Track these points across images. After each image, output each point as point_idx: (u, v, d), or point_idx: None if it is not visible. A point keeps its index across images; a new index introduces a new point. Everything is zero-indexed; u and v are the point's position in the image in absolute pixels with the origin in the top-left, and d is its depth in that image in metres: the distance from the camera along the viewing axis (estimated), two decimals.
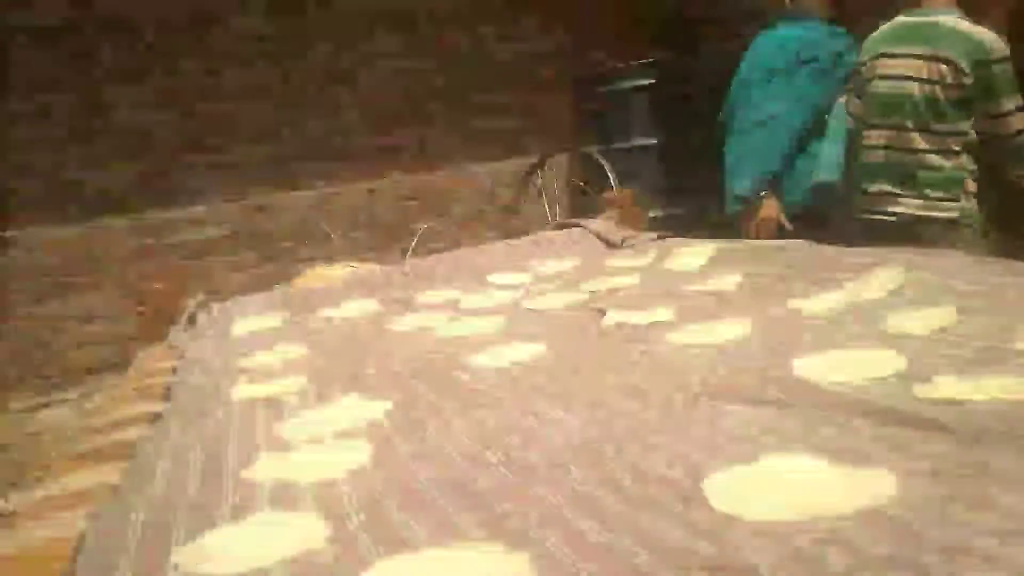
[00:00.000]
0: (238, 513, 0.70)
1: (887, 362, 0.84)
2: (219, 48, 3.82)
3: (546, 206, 4.24)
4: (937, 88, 1.71)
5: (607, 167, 3.73)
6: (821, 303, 1.13)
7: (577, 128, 4.20)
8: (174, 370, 1.39)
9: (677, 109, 3.77)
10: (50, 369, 3.75)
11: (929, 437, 0.62)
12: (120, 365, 3.68)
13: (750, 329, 1.08)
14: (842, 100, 1.96)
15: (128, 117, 3.74)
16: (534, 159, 4.27)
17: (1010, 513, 0.48)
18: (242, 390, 1.20)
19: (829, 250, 1.42)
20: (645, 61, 3.83)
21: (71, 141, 3.67)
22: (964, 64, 1.66)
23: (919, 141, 1.75)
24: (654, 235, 2.06)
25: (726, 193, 2.44)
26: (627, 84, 3.83)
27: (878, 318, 1.00)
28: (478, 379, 1.07)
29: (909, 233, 1.71)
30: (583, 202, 3.79)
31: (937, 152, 1.72)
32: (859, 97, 1.90)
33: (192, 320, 1.73)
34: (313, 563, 0.58)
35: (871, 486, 0.55)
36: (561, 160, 4.29)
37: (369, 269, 2.83)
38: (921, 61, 1.73)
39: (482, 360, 1.18)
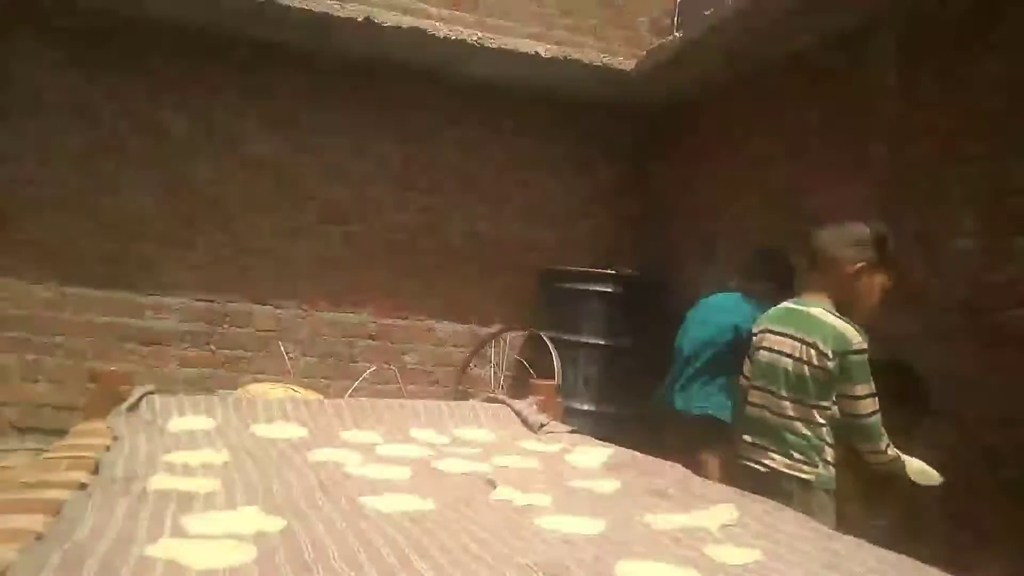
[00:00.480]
0: None
1: None
2: (230, 163, 4.16)
3: (492, 375, 4.47)
4: (805, 367, 1.99)
5: (554, 354, 4.00)
6: (667, 522, 1.34)
7: (536, 312, 4.50)
8: (107, 448, 1.54)
9: (627, 320, 4.10)
10: None
11: None
12: (47, 432, 3.73)
13: (603, 528, 1.28)
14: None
15: (129, 203, 4.00)
16: (493, 329, 4.55)
17: None
18: (161, 480, 1.35)
19: (694, 479, 1.64)
20: (608, 271, 4.20)
21: (66, 208, 3.90)
22: (827, 350, 1.97)
23: (788, 408, 2.02)
24: (568, 428, 2.27)
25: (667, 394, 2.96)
26: (589, 286, 4.17)
27: (703, 543, 1.21)
28: (367, 520, 1.24)
29: (774, 484, 1.94)
30: (525, 378, 4.02)
31: (801, 420, 1.99)
32: (750, 360, 2.23)
33: (134, 408, 1.88)
34: None
35: None
36: (517, 337, 4.57)
37: (307, 397, 2.99)
38: (794, 341, 2.04)
39: (377, 503, 1.35)
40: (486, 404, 2.49)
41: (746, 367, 2.24)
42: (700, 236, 4.27)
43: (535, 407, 2.40)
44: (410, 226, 4.47)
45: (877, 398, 1.97)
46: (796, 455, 1.98)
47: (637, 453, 1.97)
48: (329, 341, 4.34)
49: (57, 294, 3.90)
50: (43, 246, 3.87)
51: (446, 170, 4.53)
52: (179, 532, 1.06)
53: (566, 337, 4.11)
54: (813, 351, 1.99)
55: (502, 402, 2.48)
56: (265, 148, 4.20)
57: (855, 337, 1.96)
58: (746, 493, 1.54)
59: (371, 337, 4.42)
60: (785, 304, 2.19)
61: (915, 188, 2.90)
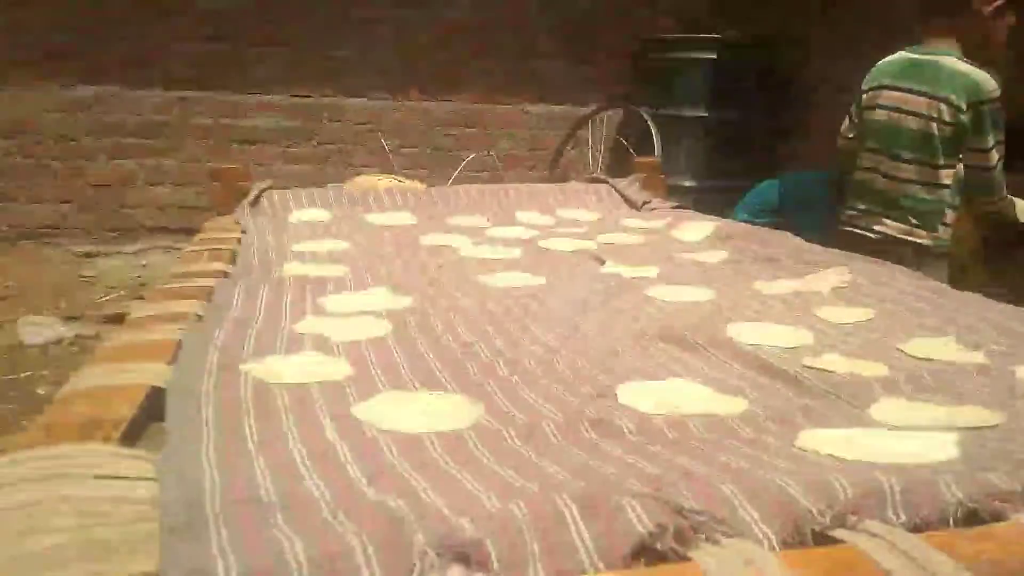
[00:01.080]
0: (289, 350, 0.96)
1: (799, 338, 1.07)
2: None
3: (589, 156, 4.42)
4: (933, 124, 1.87)
5: (654, 130, 3.89)
6: (777, 287, 1.35)
7: (633, 87, 4.34)
8: (239, 241, 1.66)
9: (731, 88, 3.89)
10: (112, 222, 4.07)
11: (784, 386, 0.86)
12: (174, 231, 4.01)
13: (712, 296, 1.31)
14: None
15: (217, 4, 3.96)
16: (588, 109, 4.43)
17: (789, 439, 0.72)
18: (294, 268, 1.46)
19: (804, 246, 1.63)
20: (710, 36, 3.93)
21: (158, 18, 3.91)
22: (962, 103, 1.82)
23: (908, 171, 1.92)
24: (672, 204, 2.27)
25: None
26: (688, 54, 3.94)
27: (814, 306, 1.23)
28: (485, 294, 1.32)
29: (887, 251, 1.86)
30: (624, 158, 3.97)
31: (923, 184, 1.90)
32: (856, 121, 2.08)
33: (256, 202, 1.99)
34: (338, 386, 0.84)
35: (728, 405, 0.80)
36: (613, 115, 4.45)
37: (413, 186, 3.07)
38: (922, 98, 1.89)
39: (492, 280, 1.42)
40: (587, 184, 2.50)
41: (847, 127, 2.08)
42: None
43: (637, 185, 2.39)
44: (495, 4, 4.26)
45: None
46: (913, 220, 1.91)
47: (745, 224, 1.96)
48: (424, 131, 4.36)
49: (164, 99, 4.01)
50: (142, 53, 3.94)
51: None
52: (319, 311, 1.16)
53: (665, 112, 3.97)
54: (944, 106, 1.85)
55: (603, 181, 2.47)
56: None
57: (989, 83, 1.80)
58: (860, 256, 1.52)
59: (466, 125, 4.41)
60: (904, 54, 1.99)
61: None
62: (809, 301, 1.26)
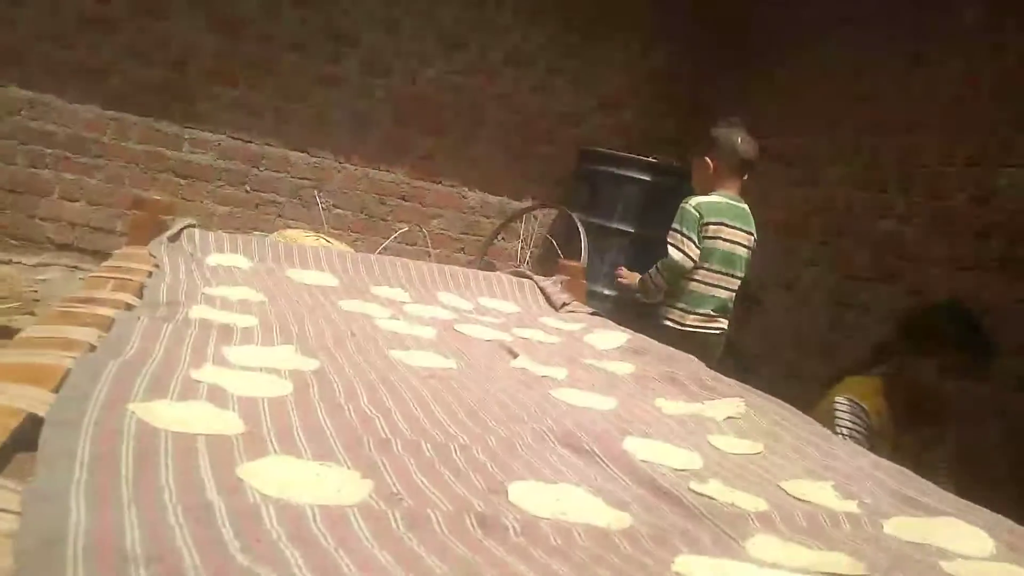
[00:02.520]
0: (183, 395, 0.93)
1: (690, 460, 1.11)
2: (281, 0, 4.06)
3: (518, 249, 4.52)
4: (749, 252, 2.86)
5: (583, 236, 4.02)
6: (676, 407, 1.40)
7: (568, 191, 4.49)
8: (149, 274, 1.61)
9: (660, 209, 4.07)
10: (19, 230, 3.88)
11: (669, 507, 0.88)
12: (82, 251, 3.85)
13: (614, 406, 1.34)
14: None
15: (177, 32, 3.95)
16: (524, 204, 4.55)
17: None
18: (202, 311, 1.42)
19: (706, 371, 1.70)
20: (649, 159, 4.14)
21: (111, 34, 3.86)
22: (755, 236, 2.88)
23: (734, 284, 2.84)
24: (590, 310, 2.32)
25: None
26: (626, 172, 4.13)
27: (708, 431, 1.27)
28: (392, 369, 1.31)
29: (715, 343, 2.88)
30: (550, 257, 4.07)
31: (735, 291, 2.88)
32: (697, 245, 2.80)
33: (175, 238, 1.94)
34: (227, 442, 0.82)
35: (613, 518, 0.81)
36: (547, 214, 4.58)
37: (340, 247, 3.05)
38: (745, 234, 2.85)
39: (403, 356, 1.42)
40: (511, 277, 2.54)
41: (693, 251, 2.80)
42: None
43: (560, 286, 2.45)
44: (453, 87, 4.39)
45: None
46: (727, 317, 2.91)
47: (654, 341, 2.02)
48: (362, 196, 4.37)
49: (99, 116, 3.92)
50: (88, 67, 3.86)
51: (497, 33, 4.40)
52: (221, 361, 1.13)
53: (597, 221, 4.12)
54: (753, 238, 2.89)
55: (528, 277, 2.52)
56: None
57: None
58: (754, 390, 1.59)
59: (403, 197, 4.46)
60: (726, 200, 2.86)
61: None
62: (704, 426, 1.30)
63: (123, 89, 3.91)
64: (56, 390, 0.82)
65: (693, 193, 2.93)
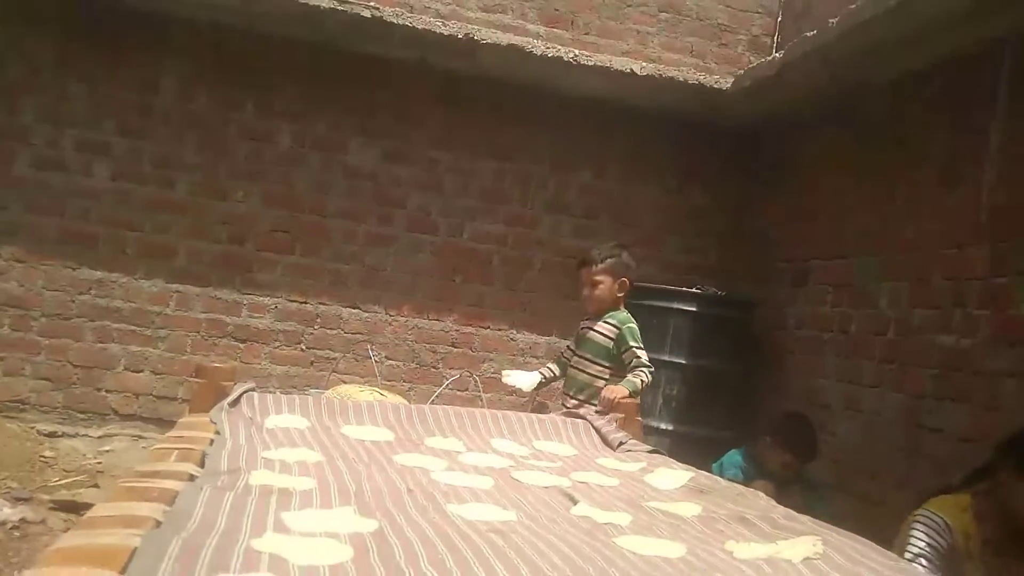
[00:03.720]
0: (244, 569, 0.93)
1: None
2: (330, 173, 4.33)
3: None
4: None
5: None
6: (750, 551, 1.33)
7: None
8: (211, 442, 1.64)
9: (710, 340, 4.05)
10: (85, 403, 4.02)
11: None
12: (146, 419, 3.95)
13: (683, 552, 1.29)
14: None
15: (236, 210, 4.22)
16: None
17: None
18: (262, 476, 1.43)
19: (776, 508, 1.62)
20: (693, 290, 4.16)
21: (175, 216, 4.15)
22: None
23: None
24: (648, 448, 2.27)
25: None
26: (671, 304, 4.14)
27: (785, 574, 1.20)
28: (451, 525, 1.29)
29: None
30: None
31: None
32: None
33: (234, 404, 1.99)
34: None
35: None
36: None
37: (395, 399, 3.08)
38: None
39: (461, 510, 1.40)
40: (565, 418, 2.52)
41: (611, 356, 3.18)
42: (792, 261, 4.20)
43: (615, 424, 2.41)
44: (497, 237, 4.54)
45: None
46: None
47: (719, 478, 1.96)
48: (413, 346, 4.45)
49: (163, 290, 4.13)
50: (152, 245, 4.12)
51: (536, 184, 4.58)
52: (281, 528, 1.13)
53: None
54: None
55: (581, 417, 2.49)
56: (362, 159, 4.36)
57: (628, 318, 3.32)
58: (829, 526, 1.51)
59: (453, 344, 4.51)
60: None
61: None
62: (780, 569, 1.23)
63: (186, 264, 4.14)
64: (123, 571, 0.83)
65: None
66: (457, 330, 4.52)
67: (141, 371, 4.10)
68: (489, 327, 4.55)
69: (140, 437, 3.95)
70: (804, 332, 4.03)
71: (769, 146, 4.57)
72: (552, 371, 3.47)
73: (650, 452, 2.23)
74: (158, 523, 1.03)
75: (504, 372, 3.45)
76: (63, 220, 4.01)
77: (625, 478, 1.89)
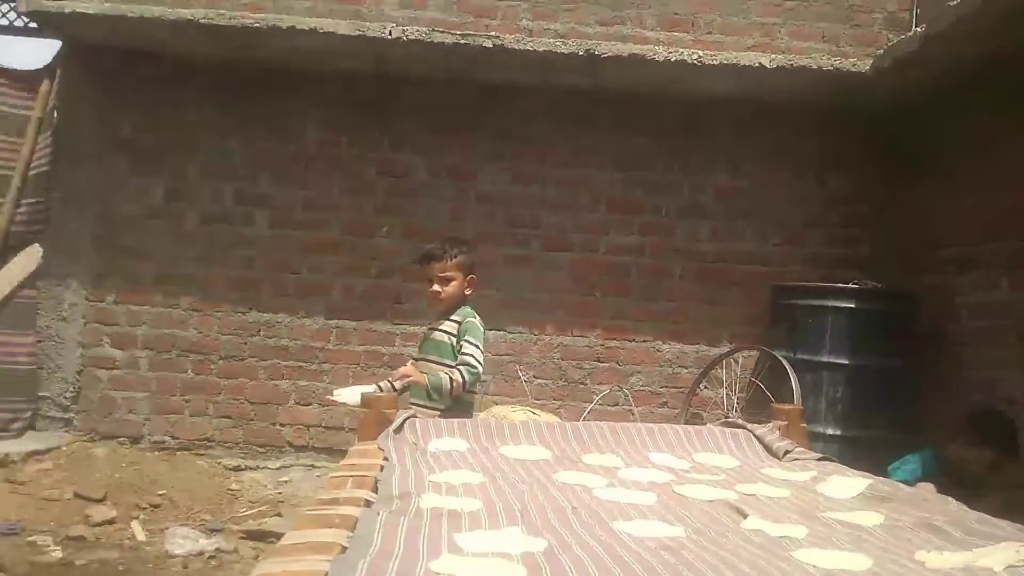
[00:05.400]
0: None
1: None
2: (463, 201, 4.45)
3: (724, 397, 4.35)
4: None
5: (792, 375, 3.81)
6: (944, 560, 1.24)
7: (766, 330, 4.33)
8: (381, 468, 1.72)
9: (872, 337, 3.81)
10: (262, 438, 4.32)
11: None
12: (318, 450, 4.20)
13: (870, 565, 1.21)
14: None
15: (382, 245, 4.43)
16: (719, 349, 4.44)
17: None
18: (431, 499, 1.49)
19: (968, 513, 1.50)
20: (850, 285, 3.94)
21: (327, 256, 4.40)
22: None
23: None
24: (817, 456, 2.16)
25: None
26: (826, 302, 3.94)
27: None
28: (619, 542, 1.28)
29: None
30: (757, 401, 3.88)
31: None
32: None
33: (398, 430, 2.08)
34: None
35: None
36: (747, 357, 4.42)
37: (547, 417, 3.11)
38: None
39: (627, 527, 1.39)
40: (724, 428, 2.44)
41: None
42: (953, 246, 3.89)
43: (778, 432, 2.31)
44: (633, 248, 4.50)
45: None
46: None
47: (899, 483, 1.84)
48: (559, 364, 4.47)
49: (323, 326, 4.39)
50: (310, 285, 4.39)
51: (667, 191, 4.52)
52: (455, 549, 1.16)
53: (803, 357, 3.91)
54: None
55: (741, 426, 2.41)
56: (494, 184, 4.46)
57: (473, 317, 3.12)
58: None
59: (598, 359, 4.50)
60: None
61: None
62: None
63: (341, 300, 4.39)
64: None
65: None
66: (602, 345, 4.50)
67: (310, 404, 4.37)
68: (634, 340, 4.51)
69: (313, 466, 4.19)
70: (979, 322, 3.71)
71: (912, 126, 4.28)
72: (391, 382, 3.02)
73: (820, 460, 2.12)
74: (343, 548, 1.09)
75: (335, 391, 3.09)
76: (229, 269, 4.35)
77: (796, 488, 1.80)
